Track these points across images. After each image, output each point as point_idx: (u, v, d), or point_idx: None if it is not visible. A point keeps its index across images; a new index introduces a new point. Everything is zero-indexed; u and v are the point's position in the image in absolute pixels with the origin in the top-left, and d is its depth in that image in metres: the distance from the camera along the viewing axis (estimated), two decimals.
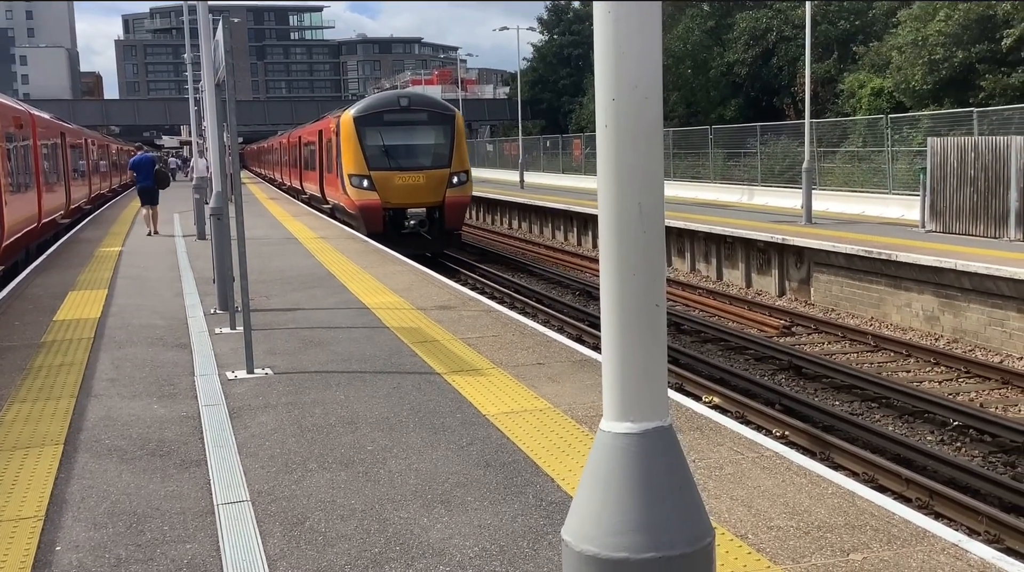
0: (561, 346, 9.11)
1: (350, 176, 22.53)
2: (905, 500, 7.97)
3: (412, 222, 22.35)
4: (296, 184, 37.06)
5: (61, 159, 26.04)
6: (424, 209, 22.45)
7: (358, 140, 22.47)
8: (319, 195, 29.02)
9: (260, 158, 67.25)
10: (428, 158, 22.99)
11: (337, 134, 23.54)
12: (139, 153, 23.41)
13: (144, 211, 22.25)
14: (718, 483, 5.41)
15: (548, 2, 71.30)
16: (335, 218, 26.04)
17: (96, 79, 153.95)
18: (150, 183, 22.07)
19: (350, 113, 23.29)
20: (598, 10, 2.15)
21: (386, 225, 22.21)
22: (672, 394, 7.12)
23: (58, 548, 4.76)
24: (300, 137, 34.77)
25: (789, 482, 5.41)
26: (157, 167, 22.97)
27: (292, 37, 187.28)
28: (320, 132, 28.09)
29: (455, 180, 22.76)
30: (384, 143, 22.66)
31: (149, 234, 21.63)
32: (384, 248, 18.10)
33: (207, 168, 22.87)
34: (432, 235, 22.76)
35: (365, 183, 22.26)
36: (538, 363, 8.40)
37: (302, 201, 33.46)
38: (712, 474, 5.55)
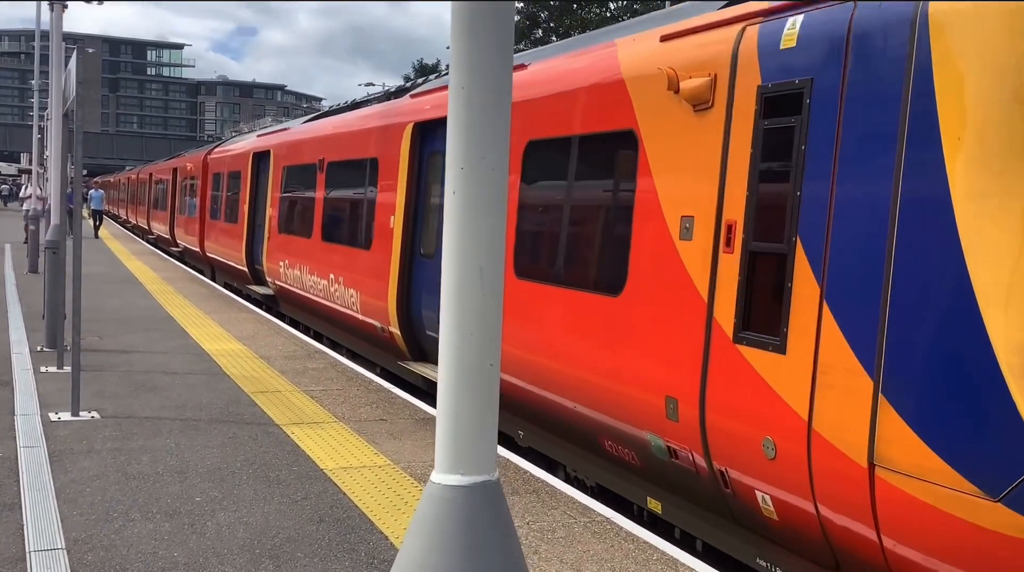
0: (404, 403, 9.10)
1: None
2: None
3: None
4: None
5: None
6: None
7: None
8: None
9: (108, 193, 64.77)
10: None
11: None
12: None
13: None
14: (550, 546, 5.50)
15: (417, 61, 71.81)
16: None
17: None
18: None
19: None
20: (453, 83, 2.25)
21: None
22: (510, 456, 7.21)
23: None
24: (300, 143, 15.17)
25: (617, 547, 5.55)
26: None
27: (149, 72, 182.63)
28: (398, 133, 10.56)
29: None
30: None
31: None
32: (230, 293, 17.51)
33: (38, 197, 22.08)
34: None
35: None
36: (381, 419, 8.36)
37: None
38: (544, 537, 5.64)
